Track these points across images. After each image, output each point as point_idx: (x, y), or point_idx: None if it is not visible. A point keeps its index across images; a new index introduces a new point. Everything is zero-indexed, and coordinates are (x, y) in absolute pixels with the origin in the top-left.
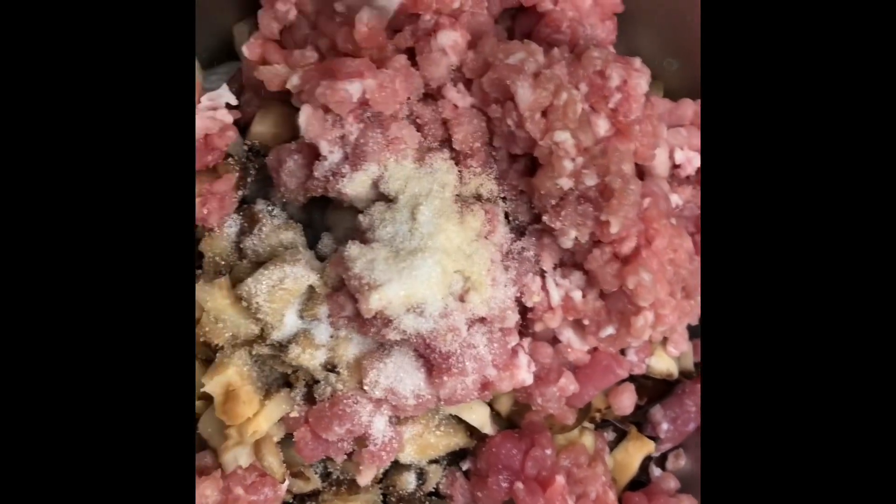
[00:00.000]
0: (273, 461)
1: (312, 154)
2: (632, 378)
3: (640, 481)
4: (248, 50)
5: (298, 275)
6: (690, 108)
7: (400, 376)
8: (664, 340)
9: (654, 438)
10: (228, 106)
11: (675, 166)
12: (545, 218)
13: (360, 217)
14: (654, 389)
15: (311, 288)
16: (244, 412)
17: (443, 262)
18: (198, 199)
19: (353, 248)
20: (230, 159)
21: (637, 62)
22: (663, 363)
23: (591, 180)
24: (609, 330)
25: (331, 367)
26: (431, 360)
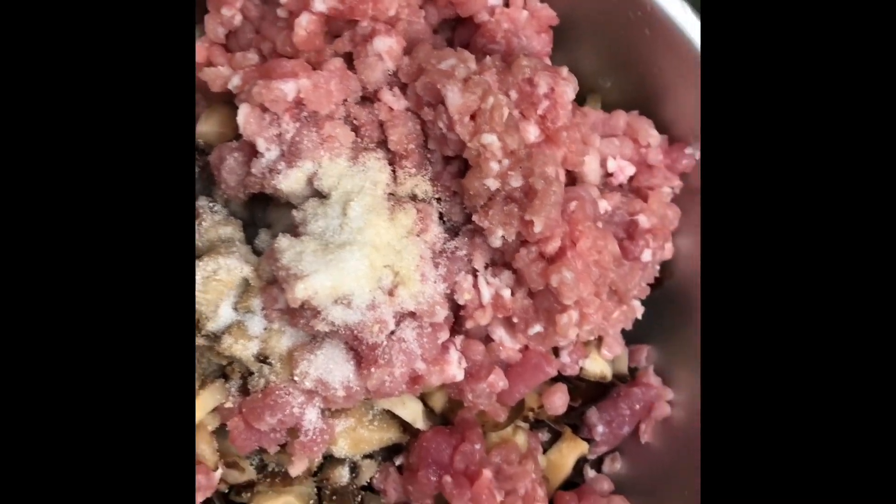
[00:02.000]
0: (206, 449)
1: (251, 152)
2: (566, 379)
3: (576, 482)
4: (196, 53)
5: (232, 267)
6: (623, 119)
7: (330, 368)
8: (599, 343)
9: (590, 441)
10: None
11: (607, 175)
12: (475, 217)
13: (294, 212)
14: (588, 392)
15: (245, 281)
16: None
17: (371, 255)
18: None
19: (282, 241)
20: None
21: (564, 71)
22: (597, 366)
23: (516, 182)
24: (537, 328)
25: (263, 358)
26: (360, 351)
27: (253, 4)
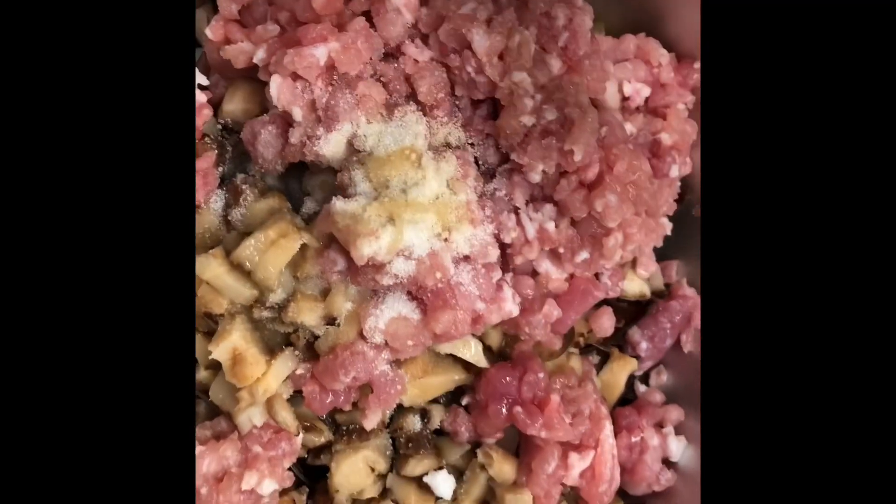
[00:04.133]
0: (287, 416)
1: (285, 122)
2: (608, 302)
3: (628, 399)
4: (212, 32)
5: (289, 235)
6: (633, 43)
7: (396, 319)
8: (634, 264)
9: (635, 357)
10: (200, 87)
11: (624, 99)
12: (513, 156)
13: (340, 175)
14: (629, 312)
15: (302, 248)
16: (253, 373)
17: (424, 206)
18: None
19: (337, 203)
20: (206, 139)
21: (579, 0)
22: (635, 285)
23: (551, 114)
24: (583, 255)
25: (329, 320)
26: (424, 299)
27: None
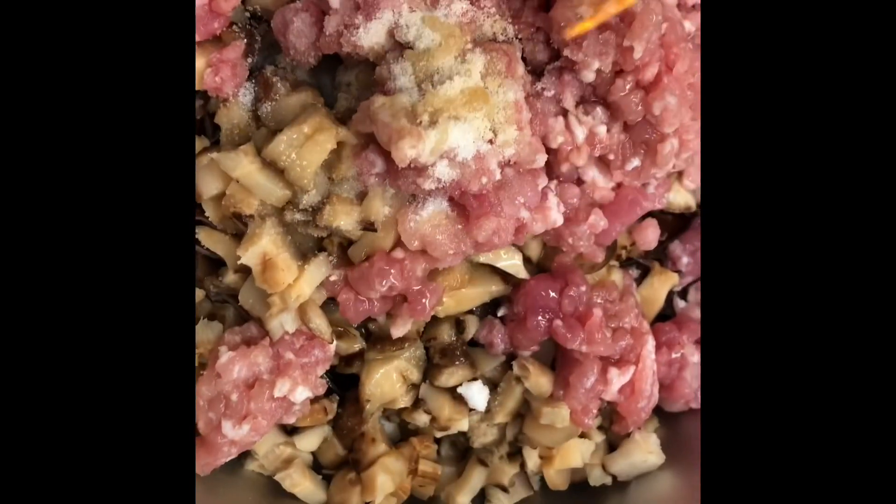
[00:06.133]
0: (321, 323)
1: (320, 11)
2: (652, 214)
3: (666, 314)
4: None
5: (325, 132)
6: None
7: (436, 226)
8: (679, 176)
9: (676, 272)
10: None
11: None
12: (566, 52)
13: (379, 69)
14: (672, 224)
15: (337, 147)
16: (284, 279)
17: (469, 105)
18: (209, 69)
19: (378, 100)
20: (234, 27)
21: None
22: (681, 197)
23: (611, 7)
24: (634, 162)
25: (366, 225)
26: (467, 205)
27: None
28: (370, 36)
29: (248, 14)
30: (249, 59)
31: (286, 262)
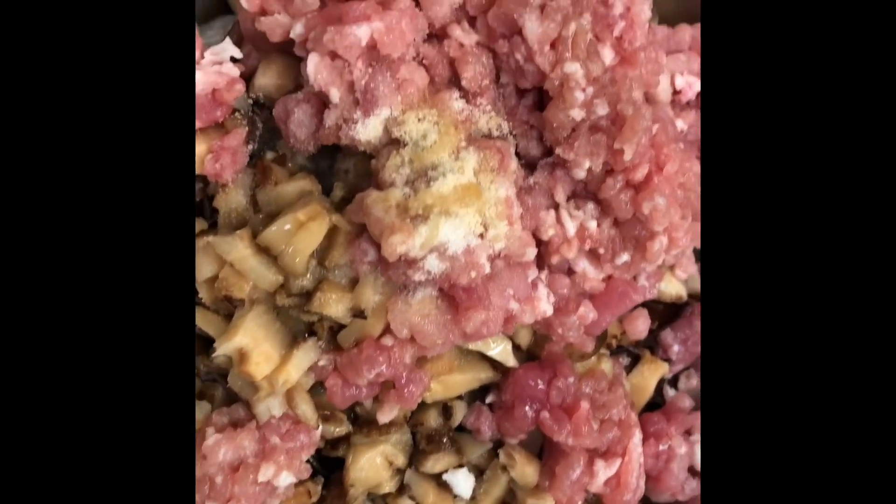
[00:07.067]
0: (307, 409)
1: (321, 103)
2: (643, 304)
3: (656, 403)
4: (247, 1)
5: (318, 219)
6: (688, 33)
7: (425, 316)
8: (671, 266)
9: (666, 360)
10: (232, 60)
11: (675, 92)
12: (558, 150)
13: (374, 162)
14: (663, 313)
15: (331, 234)
16: (260, 371)
17: (462, 201)
18: (209, 156)
19: (371, 194)
20: (236, 114)
21: None
22: (673, 287)
23: (602, 109)
24: (624, 257)
25: (356, 312)
26: (456, 297)
27: None
28: (368, 131)
29: (250, 101)
30: (250, 146)
31: (266, 353)
